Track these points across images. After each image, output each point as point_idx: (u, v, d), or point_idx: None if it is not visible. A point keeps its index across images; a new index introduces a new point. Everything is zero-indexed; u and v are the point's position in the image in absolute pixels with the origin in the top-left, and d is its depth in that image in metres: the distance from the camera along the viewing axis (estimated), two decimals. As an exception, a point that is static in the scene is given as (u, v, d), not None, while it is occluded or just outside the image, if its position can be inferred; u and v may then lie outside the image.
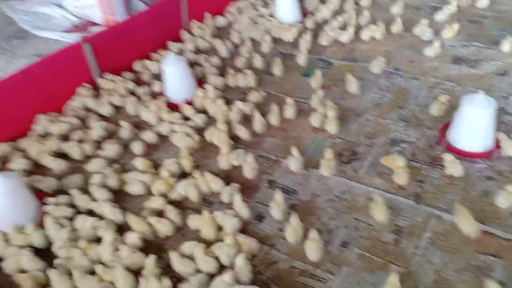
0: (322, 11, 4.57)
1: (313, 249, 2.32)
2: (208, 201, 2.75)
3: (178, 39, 4.35)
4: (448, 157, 2.73)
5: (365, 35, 4.19)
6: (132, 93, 3.68)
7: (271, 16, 4.64)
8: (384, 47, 4.08)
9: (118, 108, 3.59)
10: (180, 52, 4.11)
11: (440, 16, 4.36)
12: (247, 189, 2.79)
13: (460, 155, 2.81)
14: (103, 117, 3.49)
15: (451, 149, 2.87)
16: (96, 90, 3.74)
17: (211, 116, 3.38)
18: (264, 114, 3.30)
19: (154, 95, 3.63)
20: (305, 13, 4.63)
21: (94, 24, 4.90)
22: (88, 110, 3.56)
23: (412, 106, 3.36)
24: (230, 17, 4.70)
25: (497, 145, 2.84)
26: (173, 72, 3.47)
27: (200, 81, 3.71)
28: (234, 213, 2.57)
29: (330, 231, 2.49)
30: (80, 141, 3.19)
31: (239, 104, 3.38)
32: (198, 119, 3.31)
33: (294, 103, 3.34)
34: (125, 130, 3.27)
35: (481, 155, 2.81)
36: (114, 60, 3.82)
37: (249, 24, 4.45)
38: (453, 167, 2.71)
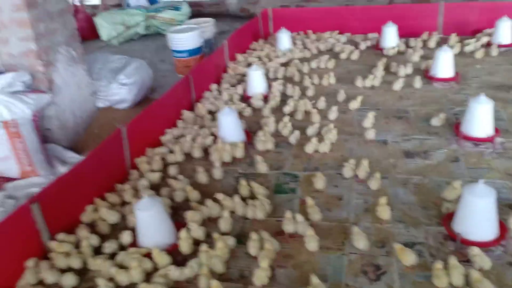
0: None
1: None
2: None
3: (124, 179, 3.88)
4: (475, 251, 2.72)
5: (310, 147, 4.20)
6: (97, 250, 3.08)
7: (214, 137, 4.48)
8: (336, 153, 4.16)
9: (83, 274, 2.94)
10: (136, 193, 3.63)
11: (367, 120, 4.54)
12: None
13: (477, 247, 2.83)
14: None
15: (466, 243, 2.89)
16: (47, 257, 3.05)
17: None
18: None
19: (130, 248, 3.07)
20: (247, 131, 4.56)
21: (8, 179, 4.18)
22: (45, 285, 2.85)
23: (399, 205, 3.38)
24: (170, 146, 4.42)
25: (502, 229, 2.94)
26: (150, 217, 3.01)
27: (177, 222, 3.29)
28: None
29: None
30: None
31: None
32: (195, 265, 2.85)
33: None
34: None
35: (495, 242, 2.87)
36: (64, 216, 3.22)
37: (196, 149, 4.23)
38: (481, 260, 2.70)
